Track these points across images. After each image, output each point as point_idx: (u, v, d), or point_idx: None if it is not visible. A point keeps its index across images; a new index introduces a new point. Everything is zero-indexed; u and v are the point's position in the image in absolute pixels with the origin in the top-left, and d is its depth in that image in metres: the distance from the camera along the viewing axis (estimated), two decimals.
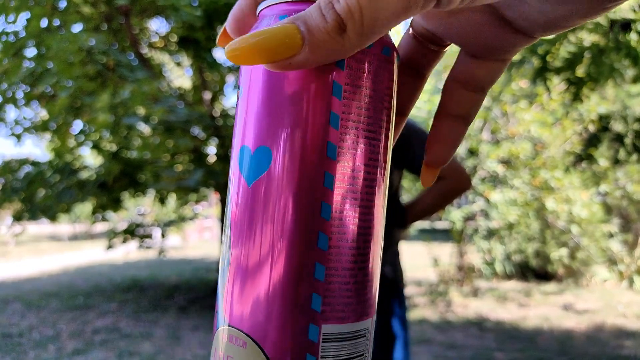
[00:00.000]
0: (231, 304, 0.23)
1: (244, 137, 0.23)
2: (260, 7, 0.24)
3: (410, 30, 0.29)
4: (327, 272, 0.22)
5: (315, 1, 0.21)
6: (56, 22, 4.90)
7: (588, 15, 0.22)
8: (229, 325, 0.23)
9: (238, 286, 0.22)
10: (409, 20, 0.28)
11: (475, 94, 0.28)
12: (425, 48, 0.28)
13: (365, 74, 0.23)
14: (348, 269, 0.22)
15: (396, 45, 0.26)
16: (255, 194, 0.22)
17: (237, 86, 0.23)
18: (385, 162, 0.24)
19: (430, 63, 0.29)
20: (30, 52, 4.92)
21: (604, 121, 6.72)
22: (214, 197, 7.60)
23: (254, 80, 0.23)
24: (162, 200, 5.83)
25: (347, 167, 0.22)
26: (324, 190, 0.22)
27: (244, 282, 0.22)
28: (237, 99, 0.24)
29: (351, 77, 0.22)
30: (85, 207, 9.23)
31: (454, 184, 1.43)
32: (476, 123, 6.05)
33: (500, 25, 0.24)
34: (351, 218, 0.22)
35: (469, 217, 6.12)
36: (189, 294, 5.74)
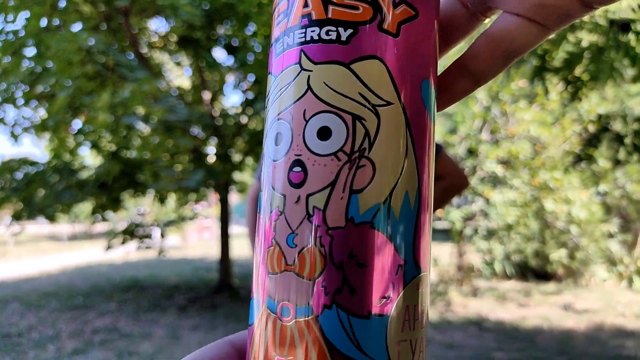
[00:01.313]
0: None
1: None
2: None
3: None
4: None
5: None
6: (56, 22, 4.89)
7: None
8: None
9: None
10: None
11: (499, 57, 0.26)
12: (467, 15, 0.26)
13: None
14: None
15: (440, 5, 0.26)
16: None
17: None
18: None
19: (464, 33, 0.27)
20: (30, 51, 4.92)
21: (603, 121, 6.72)
22: (213, 197, 7.59)
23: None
24: (162, 200, 5.82)
25: None
26: None
27: None
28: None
29: None
30: (84, 207, 9.22)
31: (451, 183, 1.44)
32: (475, 123, 6.05)
33: None
34: None
35: (469, 217, 6.12)
36: (188, 294, 5.74)
